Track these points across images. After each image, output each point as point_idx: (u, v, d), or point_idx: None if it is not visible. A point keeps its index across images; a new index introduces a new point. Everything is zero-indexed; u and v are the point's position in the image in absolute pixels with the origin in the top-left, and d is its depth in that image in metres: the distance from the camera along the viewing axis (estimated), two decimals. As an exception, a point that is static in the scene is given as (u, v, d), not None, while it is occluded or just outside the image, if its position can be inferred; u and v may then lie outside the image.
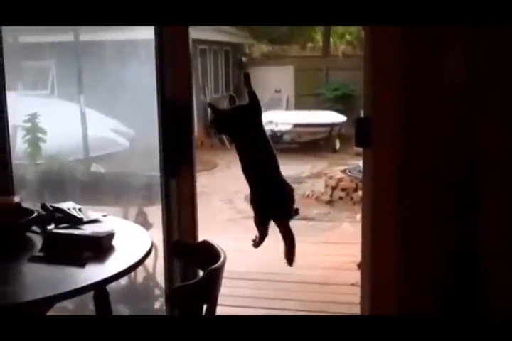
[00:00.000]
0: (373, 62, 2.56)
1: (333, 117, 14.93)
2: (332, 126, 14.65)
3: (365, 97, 2.63)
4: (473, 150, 2.51)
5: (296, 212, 2.79)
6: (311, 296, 4.42)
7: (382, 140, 2.55)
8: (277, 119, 13.53)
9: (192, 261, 2.45)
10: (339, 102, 17.03)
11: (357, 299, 4.08)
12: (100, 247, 2.23)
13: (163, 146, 2.75)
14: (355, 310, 3.73)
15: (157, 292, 3.71)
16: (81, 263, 2.11)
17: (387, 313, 2.65)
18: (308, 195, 9.55)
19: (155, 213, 3.14)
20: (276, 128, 13.61)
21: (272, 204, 2.63)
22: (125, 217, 3.51)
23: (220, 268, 2.13)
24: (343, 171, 9.62)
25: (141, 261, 2.20)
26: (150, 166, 3.06)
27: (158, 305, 3.68)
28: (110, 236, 2.29)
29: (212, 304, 2.12)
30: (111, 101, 3.88)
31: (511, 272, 2.55)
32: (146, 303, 3.73)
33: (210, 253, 2.28)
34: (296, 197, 8.30)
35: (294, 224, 8.26)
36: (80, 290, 1.98)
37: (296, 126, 13.88)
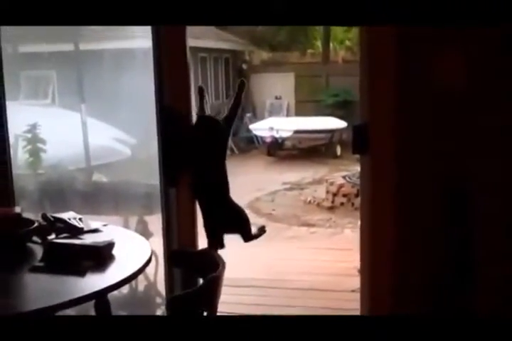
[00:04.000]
0: (369, 68, 2.57)
1: (333, 123, 14.94)
2: (333, 132, 14.65)
3: (362, 103, 2.64)
4: (471, 156, 2.52)
5: (263, 229, 2.81)
6: (312, 303, 4.42)
7: (379, 146, 2.56)
8: (278, 126, 13.56)
9: (192, 269, 2.47)
10: (339, 108, 17.02)
11: (358, 305, 4.11)
12: (100, 257, 2.24)
13: (163, 155, 2.76)
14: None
15: (158, 300, 3.73)
16: (81, 272, 2.12)
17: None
18: (309, 201, 9.58)
19: (155, 222, 3.16)
20: (277, 135, 13.64)
21: (224, 229, 2.65)
22: (125, 225, 3.53)
23: (220, 276, 2.15)
24: (344, 177, 9.64)
25: (141, 270, 2.21)
26: (151, 175, 3.07)
27: (160, 313, 3.70)
28: (110, 245, 2.31)
29: (212, 312, 2.13)
30: (112, 110, 3.90)
31: (505, 275, 2.56)
32: (148, 311, 3.74)
33: (209, 261, 2.30)
34: (298, 204, 8.31)
35: (297, 231, 8.20)
36: (80, 299, 1.99)
37: (296, 132, 13.88)
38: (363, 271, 2.80)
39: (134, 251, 2.39)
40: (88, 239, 2.43)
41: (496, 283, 2.57)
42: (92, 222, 2.69)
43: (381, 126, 2.55)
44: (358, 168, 9.75)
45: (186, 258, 2.50)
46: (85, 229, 2.60)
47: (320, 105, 17.38)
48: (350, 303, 4.11)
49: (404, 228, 2.61)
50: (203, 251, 2.43)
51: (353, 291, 4.47)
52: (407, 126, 2.55)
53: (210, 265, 2.25)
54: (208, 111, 2.72)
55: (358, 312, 3.69)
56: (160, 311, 3.70)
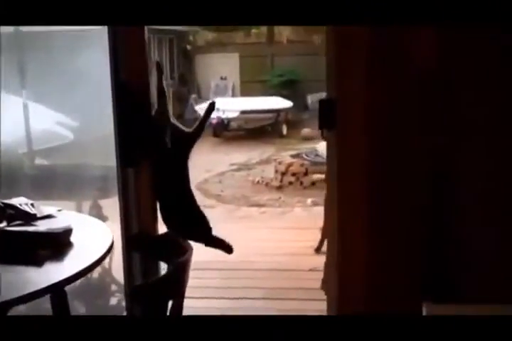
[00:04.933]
0: (336, 39, 2.45)
1: (279, 103, 14.93)
2: (278, 111, 14.66)
3: (329, 77, 2.54)
4: (447, 134, 2.45)
5: (229, 248, 2.71)
6: (273, 283, 4.36)
7: (347, 122, 2.47)
8: (224, 106, 13.45)
9: (154, 254, 2.35)
10: (284, 88, 17.04)
11: (317, 284, 4.07)
12: (58, 244, 2.10)
13: (119, 135, 2.62)
14: (318, 296, 3.70)
15: (114, 288, 3.60)
16: (38, 263, 1.99)
17: (356, 296, 2.57)
18: (258, 182, 9.53)
19: (111, 205, 3.02)
20: (223, 116, 13.53)
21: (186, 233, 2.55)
22: (78, 210, 3.37)
23: (188, 261, 2.04)
24: (297, 156, 9.59)
25: (102, 258, 2.08)
26: (105, 156, 2.93)
27: (115, 301, 3.57)
28: (68, 232, 2.17)
29: (179, 299, 2.03)
30: (57, 93, 3.74)
31: (483, 258, 2.51)
32: (103, 300, 3.61)
33: (174, 246, 2.19)
34: (247, 184, 8.22)
35: (247, 212, 8.15)
36: (37, 293, 1.84)
37: (243, 112, 13.80)
38: (331, 253, 2.71)
39: (93, 238, 2.26)
40: (43, 226, 2.28)
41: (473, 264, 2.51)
42: (44, 208, 2.54)
43: (350, 100, 2.45)
44: (305, 147, 9.77)
45: (148, 243, 2.39)
46: (38, 215, 2.45)
47: (265, 85, 17.34)
48: (310, 282, 4.09)
49: (375, 207, 2.52)
50: (166, 234, 2.32)
51: (311, 270, 4.44)
52: (378, 100, 2.45)
53: (175, 249, 2.14)
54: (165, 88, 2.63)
55: (318, 291, 3.68)
56: (115, 299, 3.57)
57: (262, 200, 8.51)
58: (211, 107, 2.74)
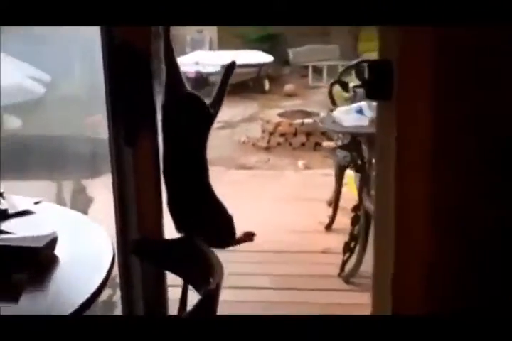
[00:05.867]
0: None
1: (260, 57, 14.43)
2: (260, 66, 14.14)
3: (382, 33, 1.95)
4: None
5: (250, 236, 2.15)
6: (280, 269, 3.77)
7: (409, 91, 1.88)
8: (203, 60, 12.84)
9: (165, 265, 1.76)
10: (264, 42, 16.47)
11: (332, 270, 3.52)
12: (38, 262, 1.48)
13: (113, 104, 2.00)
14: (335, 285, 3.18)
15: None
16: (12, 296, 1.36)
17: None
18: (244, 141, 9.00)
19: (98, 187, 2.41)
20: (203, 70, 12.93)
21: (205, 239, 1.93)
22: (59, 194, 2.72)
23: (219, 287, 1.46)
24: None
25: (104, 281, 1.45)
26: (66, 120, 2.32)
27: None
28: (52, 243, 1.54)
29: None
30: (31, 44, 3.17)
31: None
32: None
33: (193, 257, 1.60)
34: (232, 144, 7.52)
35: (235, 175, 7.55)
36: None
37: (224, 67, 13.19)
38: (380, 249, 2.14)
39: (86, 248, 1.62)
40: (17, 229, 1.66)
41: None
42: (17, 199, 1.93)
43: (413, 65, 1.85)
44: (289, 103, 9.44)
45: (157, 251, 1.79)
46: (10, 210, 1.83)
47: (244, 39, 16.71)
48: (323, 268, 3.58)
49: (440, 196, 1.95)
50: (183, 240, 1.73)
51: (323, 252, 3.90)
52: (449, 65, 1.86)
53: (195, 262, 1.55)
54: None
55: (334, 279, 3.16)
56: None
57: (250, 162, 8.03)
58: (231, 68, 2.26)
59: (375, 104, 3.02)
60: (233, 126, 10.36)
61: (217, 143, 9.56)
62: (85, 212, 2.26)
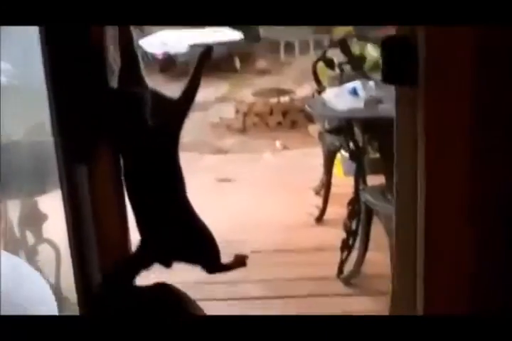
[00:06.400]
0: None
1: (229, 35, 13.99)
2: (230, 44, 13.73)
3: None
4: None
5: (242, 260, 1.80)
6: (268, 273, 3.36)
7: (438, 75, 1.53)
8: (170, 40, 12.45)
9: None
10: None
11: (329, 270, 3.19)
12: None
13: (58, 117, 1.60)
14: (340, 290, 2.86)
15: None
16: None
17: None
18: (217, 124, 8.72)
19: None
20: (172, 51, 12.52)
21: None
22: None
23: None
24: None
25: None
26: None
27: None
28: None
29: None
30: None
31: None
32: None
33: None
34: (205, 127, 7.08)
35: (211, 160, 7.19)
36: None
37: (192, 46, 12.82)
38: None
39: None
40: None
41: None
42: None
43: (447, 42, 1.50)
44: (262, 81, 9.20)
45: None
46: None
47: (211, 15, 16.35)
48: (320, 269, 3.21)
49: (476, 193, 1.63)
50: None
51: (318, 250, 3.54)
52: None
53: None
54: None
55: (336, 282, 2.82)
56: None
57: (226, 146, 7.78)
58: (206, 53, 1.98)
59: (371, 83, 2.65)
60: (205, 107, 10.02)
61: (190, 126, 9.09)
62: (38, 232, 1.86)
